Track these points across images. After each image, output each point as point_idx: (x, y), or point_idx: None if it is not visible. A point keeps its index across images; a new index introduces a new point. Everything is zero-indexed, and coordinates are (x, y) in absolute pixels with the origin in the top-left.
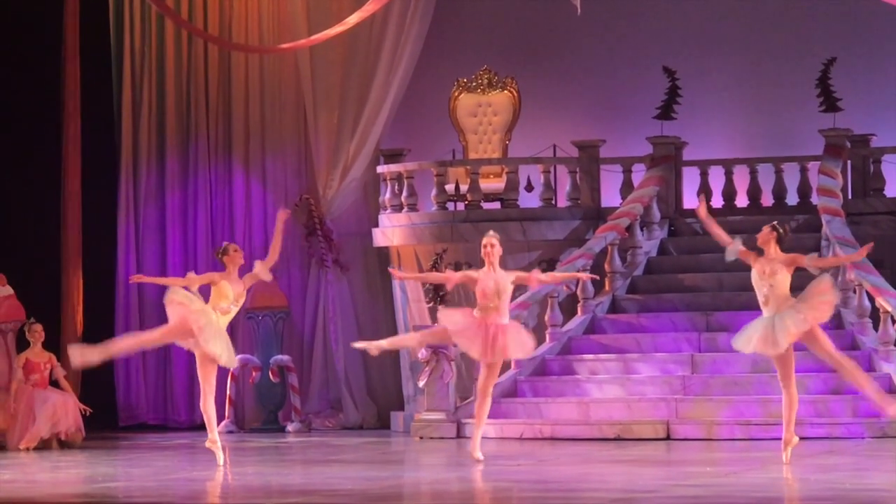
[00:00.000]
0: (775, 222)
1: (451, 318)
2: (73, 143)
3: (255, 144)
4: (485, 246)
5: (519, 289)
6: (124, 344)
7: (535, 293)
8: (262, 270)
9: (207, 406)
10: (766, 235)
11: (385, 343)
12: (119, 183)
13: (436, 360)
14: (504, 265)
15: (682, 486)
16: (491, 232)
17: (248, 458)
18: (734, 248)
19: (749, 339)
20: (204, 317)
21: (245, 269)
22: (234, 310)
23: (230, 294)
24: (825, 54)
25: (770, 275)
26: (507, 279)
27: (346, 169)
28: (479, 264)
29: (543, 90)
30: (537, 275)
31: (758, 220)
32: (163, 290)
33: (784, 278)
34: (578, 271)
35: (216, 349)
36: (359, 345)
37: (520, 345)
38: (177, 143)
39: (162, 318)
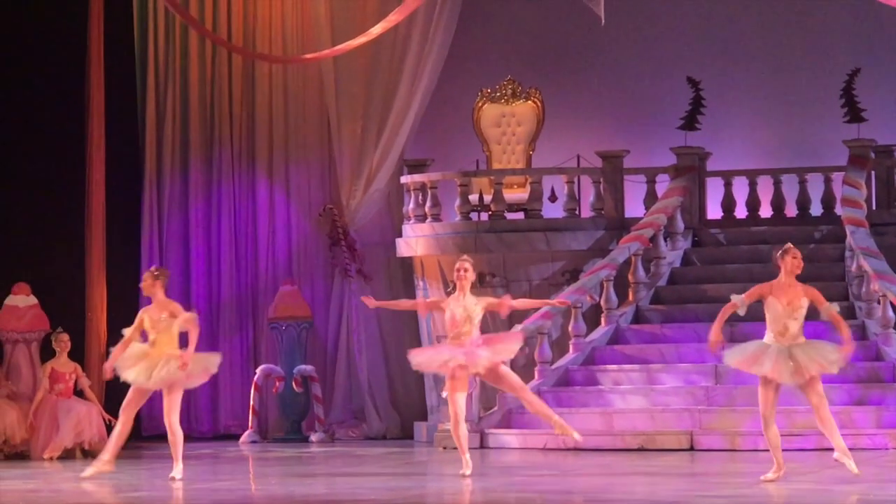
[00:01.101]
0: (791, 246)
1: (419, 359)
2: (98, 153)
3: (279, 155)
4: (458, 270)
5: (542, 298)
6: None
7: None
8: (182, 320)
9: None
10: (799, 263)
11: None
12: (143, 193)
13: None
14: (528, 276)
15: (705, 497)
16: (465, 256)
17: (271, 468)
18: (741, 302)
19: (760, 364)
20: (145, 384)
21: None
22: (161, 335)
23: (148, 324)
24: (849, 65)
25: (798, 308)
26: (477, 306)
27: (369, 179)
28: (502, 274)
29: (567, 100)
30: (508, 300)
31: (782, 230)
32: (186, 298)
33: (804, 312)
34: (602, 282)
35: (159, 377)
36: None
37: (498, 354)
38: (201, 154)
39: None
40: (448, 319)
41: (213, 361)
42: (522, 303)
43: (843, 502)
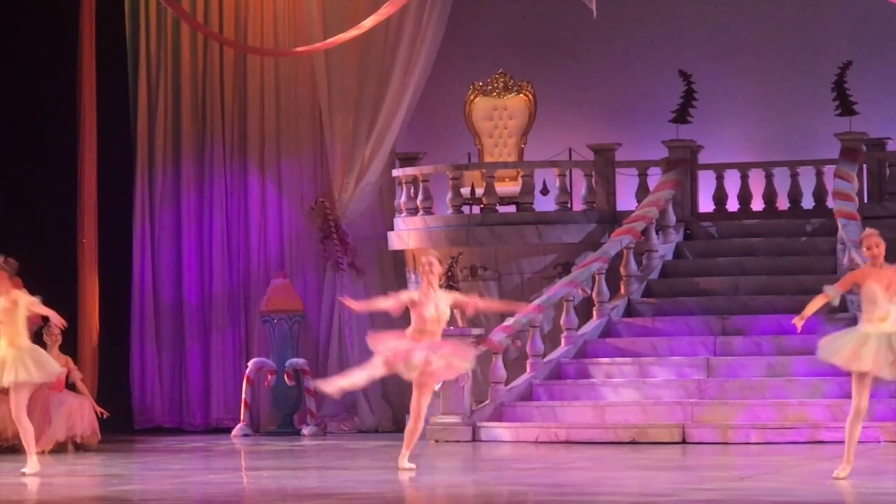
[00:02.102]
0: (870, 233)
1: (381, 345)
2: (90, 147)
3: (271, 148)
4: (423, 265)
5: (534, 292)
6: None
7: (550, 296)
8: (25, 306)
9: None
10: (880, 251)
11: (345, 383)
12: (135, 187)
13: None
14: (520, 269)
15: (697, 490)
16: (431, 250)
17: (263, 462)
18: (833, 293)
19: (860, 359)
20: (3, 384)
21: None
22: (6, 326)
23: None
24: (841, 58)
25: None
26: (447, 303)
27: (361, 172)
28: (494, 267)
29: (559, 94)
30: (476, 301)
31: (774, 224)
32: (178, 291)
33: None
34: (593, 275)
35: (9, 379)
36: (318, 383)
37: (451, 367)
38: (192, 147)
39: (177, 322)
40: (418, 315)
41: (55, 364)
42: (487, 305)
43: (833, 495)
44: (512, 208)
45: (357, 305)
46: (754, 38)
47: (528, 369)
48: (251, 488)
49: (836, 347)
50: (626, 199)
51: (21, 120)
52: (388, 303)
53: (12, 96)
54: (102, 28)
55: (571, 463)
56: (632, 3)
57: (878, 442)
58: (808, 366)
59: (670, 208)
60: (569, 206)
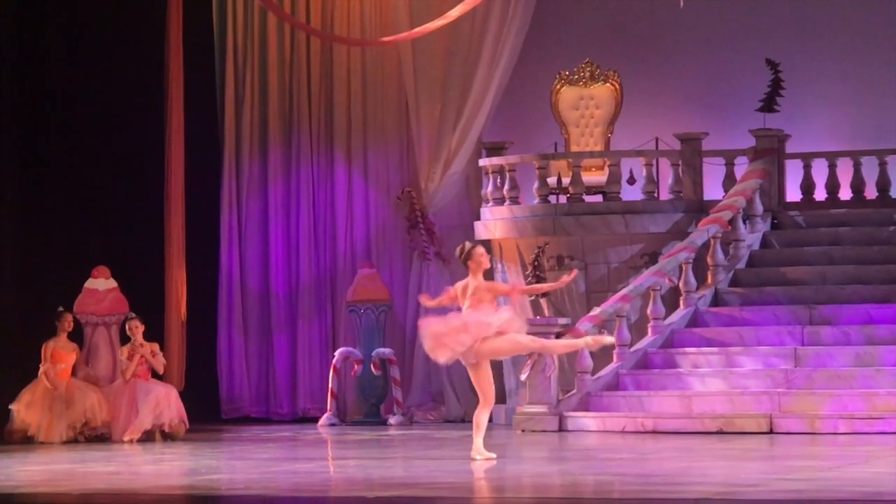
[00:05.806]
0: None
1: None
2: (177, 137)
3: (358, 138)
4: (482, 255)
5: (621, 282)
6: None
7: (637, 286)
8: None
9: None
10: None
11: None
12: (222, 177)
13: (537, 353)
14: (606, 258)
15: (784, 481)
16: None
17: (349, 451)
18: None
19: None
20: None
21: None
22: None
23: None
24: None
25: None
26: (483, 286)
27: (447, 162)
28: (580, 257)
29: (645, 83)
30: (519, 286)
31: (861, 213)
32: (265, 281)
33: None
34: (680, 265)
35: None
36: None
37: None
38: (279, 137)
39: (264, 312)
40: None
41: None
42: (525, 289)
43: None
44: (598, 198)
45: (431, 303)
46: (842, 25)
47: (615, 359)
48: (338, 477)
49: None
50: (712, 189)
51: (109, 111)
52: (446, 298)
53: (100, 89)
54: (190, 18)
55: (658, 453)
56: None
57: None
58: None
59: (757, 198)
60: (655, 195)
